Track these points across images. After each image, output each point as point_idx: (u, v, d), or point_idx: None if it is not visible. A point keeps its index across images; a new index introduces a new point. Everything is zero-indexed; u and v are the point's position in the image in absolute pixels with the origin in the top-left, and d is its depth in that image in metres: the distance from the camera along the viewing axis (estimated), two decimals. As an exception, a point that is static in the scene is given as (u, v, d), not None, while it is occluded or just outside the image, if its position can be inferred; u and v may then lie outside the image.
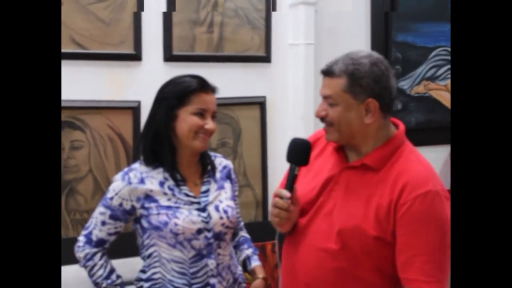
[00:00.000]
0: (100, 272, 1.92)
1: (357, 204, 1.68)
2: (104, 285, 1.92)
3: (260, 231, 2.68)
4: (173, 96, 1.88)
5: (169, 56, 2.65)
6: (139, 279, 1.95)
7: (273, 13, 2.87)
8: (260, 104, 2.87)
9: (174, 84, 1.91)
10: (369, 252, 1.66)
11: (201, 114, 1.88)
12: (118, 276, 1.96)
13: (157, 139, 1.89)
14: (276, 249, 1.80)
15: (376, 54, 1.73)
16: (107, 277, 1.92)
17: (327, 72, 1.70)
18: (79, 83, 2.49)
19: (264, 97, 2.88)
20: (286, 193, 1.70)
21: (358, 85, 1.66)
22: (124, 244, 2.07)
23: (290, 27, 2.90)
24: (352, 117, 1.68)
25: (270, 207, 1.79)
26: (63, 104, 2.39)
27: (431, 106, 3.33)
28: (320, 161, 1.83)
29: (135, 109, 2.56)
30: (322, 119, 1.73)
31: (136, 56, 2.59)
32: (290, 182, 1.72)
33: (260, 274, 2.07)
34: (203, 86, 1.90)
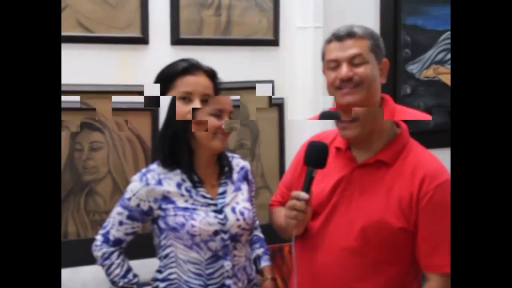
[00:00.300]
0: (117, 271, 1.92)
1: (376, 200, 1.73)
2: (121, 284, 1.92)
3: (277, 232, 2.66)
4: (160, 82, 1.88)
5: (176, 40, 2.63)
6: (155, 279, 1.95)
7: (281, -4, 2.83)
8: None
9: (161, 71, 1.93)
10: (393, 245, 1.71)
11: (187, 98, 1.86)
12: (135, 275, 1.95)
13: (175, 141, 1.88)
14: (293, 251, 1.80)
15: None
16: (124, 276, 1.92)
17: (350, 34, 1.75)
18: (85, 66, 2.48)
19: (272, 81, 2.85)
20: (305, 195, 1.71)
21: (378, 46, 1.78)
22: (142, 244, 2.06)
23: (298, 10, 2.86)
24: (376, 75, 1.76)
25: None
26: (69, 88, 2.39)
27: (441, 90, 3.29)
28: (328, 164, 1.81)
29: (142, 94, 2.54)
30: (345, 82, 1.72)
31: (143, 40, 2.57)
32: (307, 184, 1.72)
33: (269, 274, 2.06)
34: (189, 68, 1.87)
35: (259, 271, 2.09)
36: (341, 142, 1.85)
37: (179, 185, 1.89)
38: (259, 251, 2.12)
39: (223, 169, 1.98)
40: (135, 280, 1.94)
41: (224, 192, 1.95)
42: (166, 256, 1.91)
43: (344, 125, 1.76)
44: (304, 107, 2.82)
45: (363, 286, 1.72)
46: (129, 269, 1.94)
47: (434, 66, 3.28)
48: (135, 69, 2.56)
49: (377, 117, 1.75)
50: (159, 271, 1.94)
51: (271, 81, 2.84)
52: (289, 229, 1.76)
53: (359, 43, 1.74)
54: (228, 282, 1.89)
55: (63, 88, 2.13)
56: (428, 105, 3.26)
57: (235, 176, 2.00)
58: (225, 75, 2.71)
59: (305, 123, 2.83)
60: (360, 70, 1.73)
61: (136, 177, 1.91)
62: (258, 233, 2.17)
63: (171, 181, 1.89)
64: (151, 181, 1.88)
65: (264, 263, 2.09)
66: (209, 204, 1.89)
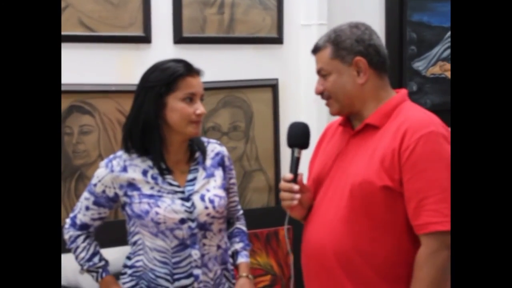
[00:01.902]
0: (83, 254, 1.94)
1: (362, 162, 1.70)
2: (85, 267, 1.95)
3: (273, 216, 2.65)
4: (160, 83, 1.84)
5: (179, 38, 2.61)
6: (125, 265, 1.96)
7: (285, -7, 2.81)
8: (272, 86, 2.82)
9: (159, 71, 1.87)
10: (382, 208, 1.65)
11: (190, 98, 1.85)
12: (101, 259, 1.97)
13: (147, 129, 1.85)
14: (285, 235, 1.85)
15: (355, 21, 1.82)
16: (89, 260, 1.95)
17: (315, 49, 1.79)
18: (87, 66, 2.46)
19: (276, 80, 2.83)
20: (289, 175, 1.76)
21: (342, 48, 1.73)
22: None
23: (302, 7, 2.84)
24: (345, 81, 1.74)
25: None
26: (71, 88, 2.38)
27: (447, 88, 3.24)
28: (332, 143, 1.86)
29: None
30: (321, 95, 1.79)
31: (145, 39, 2.55)
32: (293, 164, 1.78)
33: (244, 272, 2.01)
34: (189, 70, 1.87)
35: (236, 267, 2.04)
36: (342, 118, 1.86)
37: (145, 172, 1.88)
38: (238, 246, 2.06)
39: (193, 154, 1.96)
40: (100, 264, 1.96)
41: (193, 179, 1.92)
42: (134, 243, 1.92)
43: (326, 102, 1.80)
44: (308, 105, 2.80)
45: (359, 257, 1.67)
46: (94, 253, 1.96)
47: (440, 63, 3.25)
48: (137, 68, 2.50)
49: (347, 86, 1.74)
50: (128, 258, 1.95)
51: (276, 79, 2.82)
52: (286, 211, 1.80)
53: (321, 55, 1.77)
54: (196, 272, 1.87)
55: (65, 88, 2.12)
56: (434, 103, 3.23)
57: (208, 162, 1.97)
58: (228, 74, 2.72)
59: (299, 103, 2.82)
60: (327, 83, 1.76)
61: (102, 163, 1.93)
62: (240, 225, 2.11)
63: (136, 168, 1.88)
64: (116, 168, 1.88)
65: (241, 259, 2.04)
66: (176, 192, 1.88)
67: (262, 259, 2.76)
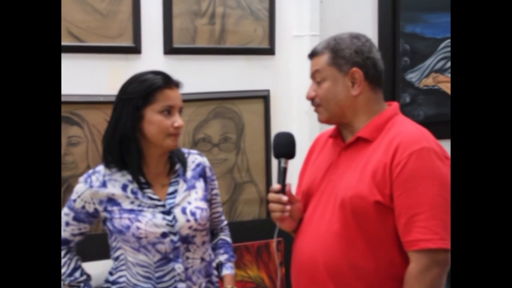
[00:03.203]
0: (64, 269, 1.92)
1: (353, 175, 1.69)
2: (67, 282, 1.92)
3: (264, 228, 2.60)
4: (138, 95, 1.82)
5: (170, 49, 2.59)
6: (107, 281, 1.93)
7: (277, 4, 2.80)
8: (263, 98, 2.80)
9: (137, 82, 1.85)
10: (373, 223, 1.63)
11: (168, 111, 1.83)
12: (83, 274, 1.94)
13: (124, 142, 1.84)
14: (275, 247, 1.85)
15: (356, 32, 1.81)
16: (70, 274, 1.92)
17: (312, 54, 1.78)
18: (76, 77, 2.43)
19: (268, 91, 2.81)
20: (276, 186, 1.75)
21: (341, 56, 1.72)
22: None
23: (294, 18, 2.83)
24: (339, 90, 1.72)
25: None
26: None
27: (441, 99, 3.24)
28: (323, 155, 1.85)
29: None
30: (312, 101, 1.77)
31: (135, 49, 2.53)
32: (280, 175, 1.76)
33: (229, 284, 2.00)
34: (168, 82, 1.85)
35: (221, 279, 2.03)
36: (335, 129, 1.84)
37: (124, 187, 1.86)
38: (222, 257, 2.04)
39: (173, 167, 1.93)
40: (82, 278, 1.94)
41: (174, 192, 1.90)
42: (116, 258, 1.90)
43: (316, 109, 1.78)
44: (300, 116, 2.78)
45: (350, 270, 1.65)
46: (76, 268, 1.94)
47: (433, 75, 3.24)
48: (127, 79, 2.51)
49: (340, 96, 1.72)
50: (110, 273, 1.93)
51: (267, 90, 2.80)
52: (276, 223, 1.78)
53: (318, 59, 1.75)
54: (181, 285, 1.85)
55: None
56: (427, 114, 3.21)
57: (189, 173, 1.95)
58: (219, 85, 2.70)
59: (291, 116, 2.79)
60: (319, 90, 1.74)
61: (81, 178, 1.91)
62: (225, 236, 2.10)
63: (116, 183, 1.86)
64: (95, 183, 1.86)
65: (226, 271, 2.02)
66: (156, 206, 1.86)
67: (253, 272, 2.73)
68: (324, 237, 1.70)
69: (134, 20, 2.51)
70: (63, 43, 2.38)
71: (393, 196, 1.61)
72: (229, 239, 2.10)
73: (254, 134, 2.79)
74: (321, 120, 1.78)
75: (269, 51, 2.80)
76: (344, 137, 1.80)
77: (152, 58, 2.55)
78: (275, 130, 2.79)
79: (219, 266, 2.03)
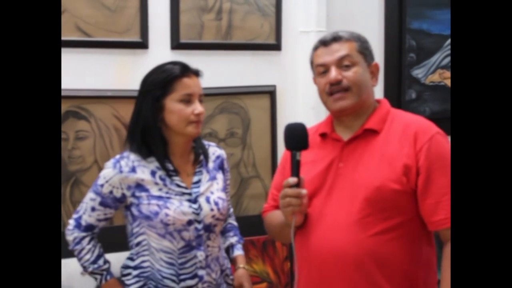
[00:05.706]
0: (87, 256, 1.92)
1: (372, 167, 1.71)
2: (90, 269, 1.93)
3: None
4: (156, 86, 1.85)
5: (177, 44, 2.60)
6: (127, 266, 1.94)
7: (284, 0, 2.80)
8: (270, 93, 2.80)
9: (156, 74, 1.89)
10: (397, 209, 1.68)
11: (187, 100, 1.85)
12: (106, 262, 1.96)
13: (147, 133, 1.87)
14: (292, 241, 1.77)
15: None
16: (94, 262, 1.93)
17: (336, 38, 1.78)
18: (84, 71, 2.45)
19: (274, 86, 2.81)
20: (293, 179, 1.70)
21: (366, 48, 1.81)
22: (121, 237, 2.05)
23: (301, 13, 2.83)
24: (367, 77, 1.79)
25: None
26: (68, 93, 2.36)
27: (446, 96, 3.23)
28: (313, 153, 1.82)
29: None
30: (333, 86, 1.75)
31: (142, 44, 2.54)
32: (294, 168, 1.71)
33: (241, 263, 2.08)
34: (185, 71, 1.87)
35: (232, 260, 2.09)
36: (325, 127, 1.86)
37: (153, 173, 1.88)
38: (233, 239, 2.12)
39: (198, 157, 1.97)
40: (105, 266, 1.95)
41: (198, 181, 1.94)
42: (138, 244, 1.91)
43: (340, 95, 1.75)
44: (306, 112, 2.78)
45: (375, 257, 1.67)
46: (99, 255, 1.95)
47: (439, 71, 3.24)
48: (134, 74, 2.50)
49: (368, 84, 1.80)
50: (130, 259, 1.94)
51: (273, 86, 2.81)
52: (287, 219, 1.74)
53: (346, 45, 1.77)
54: (201, 272, 1.89)
55: (62, 93, 2.10)
56: (434, 111, 3.21)
57: (210, 164, 1.99)
58: (226, 80, 2.71)
59: (297, 112, 2.79)
60: (349, 73, 1.75)
61: (109, 163, 1.91)
62: (232, 221, 2.17)
63: (145, 169, 1.88)
64: (124, 169, 1.87)
65: (237, 252, 2.10)
66: (183, 193, 1.89)
67: (259, 266, 2.74)
68: (347, 229, 1.70)
69: (142, 16, 2.52)
70: (72, 38, 2.41)
71: (419, 180, 1.67)
72: (235, 223, 2.17)
73: (260, 129, 2.80)
74: (346, 106, 1.75)
75: (276, 46, 2.80)
76: (338, 133, 1.82)
77: (159, 53, 2.55)
78: (281, 125, 2.80)
79: (230, 248, 2.10)
